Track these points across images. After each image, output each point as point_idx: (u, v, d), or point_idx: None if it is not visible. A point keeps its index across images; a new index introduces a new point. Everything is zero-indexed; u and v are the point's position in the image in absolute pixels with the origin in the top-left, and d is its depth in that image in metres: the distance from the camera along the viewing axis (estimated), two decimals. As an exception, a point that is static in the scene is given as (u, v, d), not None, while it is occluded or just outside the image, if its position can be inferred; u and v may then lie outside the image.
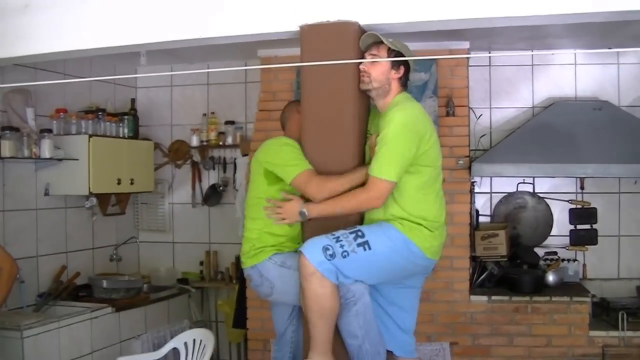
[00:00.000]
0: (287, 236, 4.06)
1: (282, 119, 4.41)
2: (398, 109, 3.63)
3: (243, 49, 5.17)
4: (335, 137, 3.71)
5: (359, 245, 3.55)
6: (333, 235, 3.57)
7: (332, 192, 3.68)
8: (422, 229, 3.67)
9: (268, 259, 4.02)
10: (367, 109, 3.87)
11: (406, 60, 3.74)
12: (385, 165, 3.56)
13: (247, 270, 4.19)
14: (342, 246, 3.52)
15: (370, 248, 3.56)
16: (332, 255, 3.49)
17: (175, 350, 5.16)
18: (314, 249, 3.52)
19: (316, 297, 3.55)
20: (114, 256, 6.69)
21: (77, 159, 5.74)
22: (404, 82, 3.80)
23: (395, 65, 3.69)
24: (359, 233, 3.59)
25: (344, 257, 3.51)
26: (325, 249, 3.50)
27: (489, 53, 6.24)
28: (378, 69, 3.69)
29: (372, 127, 3.93)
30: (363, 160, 3.85)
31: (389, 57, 3.67)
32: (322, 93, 3.74)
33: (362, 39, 3.71)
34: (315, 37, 3.73)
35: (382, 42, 3.68)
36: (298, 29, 3.79)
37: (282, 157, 3.89)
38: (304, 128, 3.83)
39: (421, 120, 3.69)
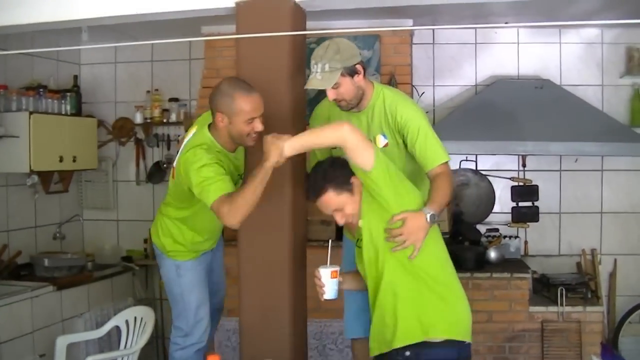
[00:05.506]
0: None
1: (214, 102, 3.57)
2: (403, 102, 3.65)
3: (187, 25, 5.13)
4: (270, 114, 3.67)
5: None
6: None
7: (247, 207, 3.30)
8: None
9: None
10: (303, 85, 3.78)
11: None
12: (440, 150, 3.56)
13: None
14: None
15: None
16: None
17: (117, 328, 5.17)
18: None
19: None
20: (58, 234, 6.57)
21: (18, 137, 5.62)
22: (365, 68, 3.63)
23: (353, 73, 3.52)
24: None
25: None
26: None
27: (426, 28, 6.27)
28: (345, 89, 3.51)
29: (319, 123, 3.83)
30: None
31: (344, 77, 3.48)
32: (258, 69, 3.71)
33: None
34: (250, 13, 3.71)
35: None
36: (234, 5, 3.78)
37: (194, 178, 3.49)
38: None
39: None
